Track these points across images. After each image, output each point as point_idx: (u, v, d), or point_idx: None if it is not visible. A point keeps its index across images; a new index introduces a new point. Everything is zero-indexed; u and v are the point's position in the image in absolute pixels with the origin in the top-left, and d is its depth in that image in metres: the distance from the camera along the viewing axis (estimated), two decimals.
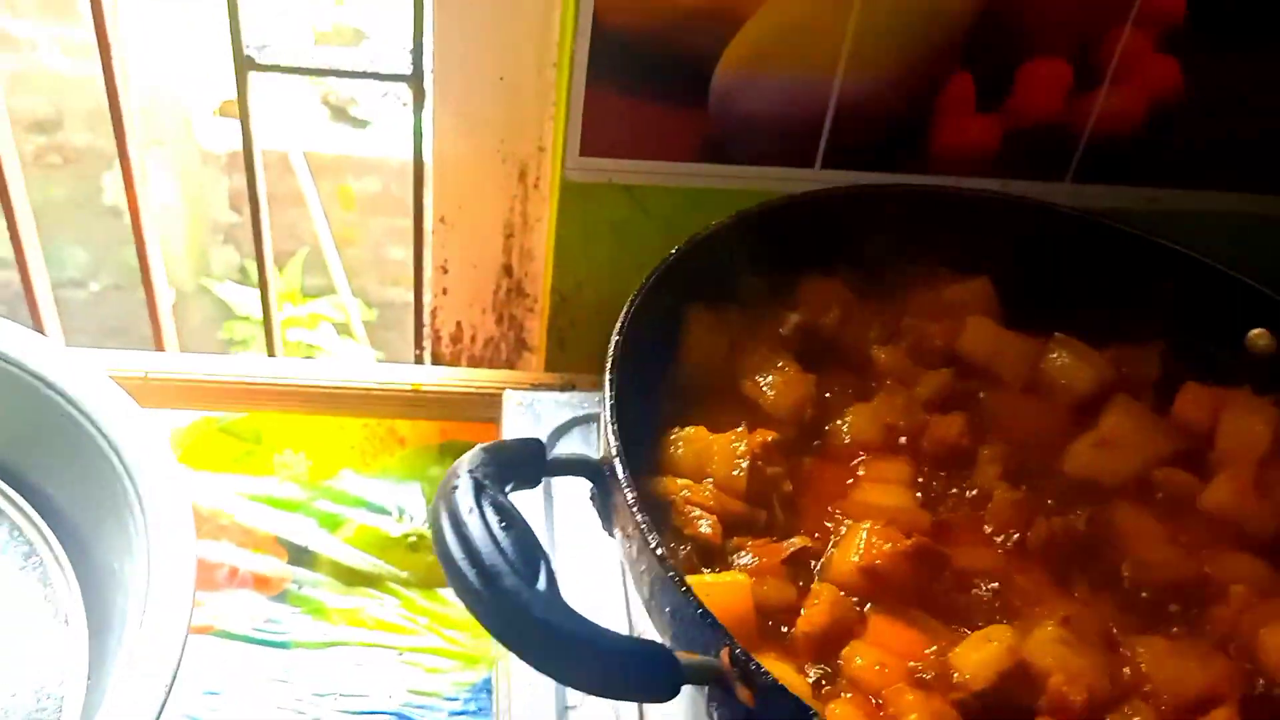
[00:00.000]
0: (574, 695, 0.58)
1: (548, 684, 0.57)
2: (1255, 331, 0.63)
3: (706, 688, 0.42)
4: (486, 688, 0.76)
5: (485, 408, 0.83)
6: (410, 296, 0.98)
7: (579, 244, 0.91)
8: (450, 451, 0.91)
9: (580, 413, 0.73)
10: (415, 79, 0.88)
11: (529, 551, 0.39)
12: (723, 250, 0.62)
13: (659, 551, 0.44)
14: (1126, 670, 0.50)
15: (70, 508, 0.66)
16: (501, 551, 0.39)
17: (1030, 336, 0.65)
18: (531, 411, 0.73)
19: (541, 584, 0.38)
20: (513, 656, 0.55)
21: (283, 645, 0.77)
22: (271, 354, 1.00)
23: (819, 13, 0.77)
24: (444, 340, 1.00)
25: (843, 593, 0.51)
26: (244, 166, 0.91)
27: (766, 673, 0.40)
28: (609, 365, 0.51)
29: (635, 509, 0.45)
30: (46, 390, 0.65)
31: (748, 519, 0.54)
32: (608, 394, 0.50)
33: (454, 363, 1.01)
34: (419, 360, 1.01)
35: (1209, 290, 0.65)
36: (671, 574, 0.43)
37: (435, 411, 0.86)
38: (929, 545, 0.52)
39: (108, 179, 2.25)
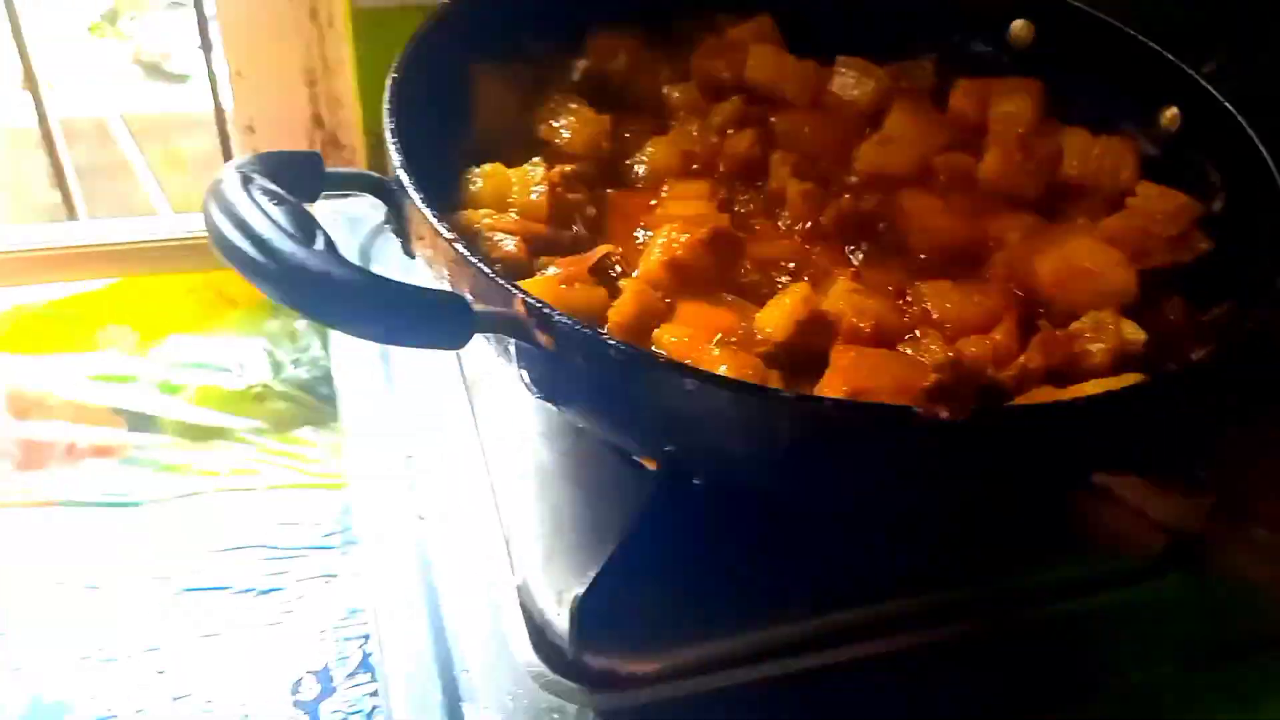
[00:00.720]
0: (424, 504, 0.57)
1: (399, 488, 0.57)
2: (1016, 23, 0.68)
3: (513, 345, 0.43)
4: (350, 509, 0.76)
5: None
6: None
7: (383, 77, 0.90)
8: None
9: None
10: None
11: (302, 221, 0.40)
12: (503, 5, 0.63)
13: (448, 235, 0.45)
14: (915, 309, 0.53)
15: None
16: (274, 222, 0.39)
17: (813, 60, 0.68)
18: (345, 218, 0.72)
19: (319, 244, 0.39)
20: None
21: (134, 504, 0.75)
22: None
23: None
24: None
25: (650, 288, 0.53)
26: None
27: (562, 314, 0.41)
28: (388, 87, 0.52)
29: (424, 205, 0.46)
30: None
31: (553, 240, 0.55)
32: (387, 109, 0.50)
33: None
34: None
35: None
36: (458, 246, 0.44)
37: None
38: (725, 230, 0.54)
39: None
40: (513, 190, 0.56)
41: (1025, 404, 0.47)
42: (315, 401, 0.84)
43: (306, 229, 0.39)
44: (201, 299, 0.89)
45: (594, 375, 0.42)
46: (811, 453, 0.41)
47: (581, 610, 0.48)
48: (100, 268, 0.80)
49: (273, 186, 0.41)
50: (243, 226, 0.39)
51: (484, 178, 0.56)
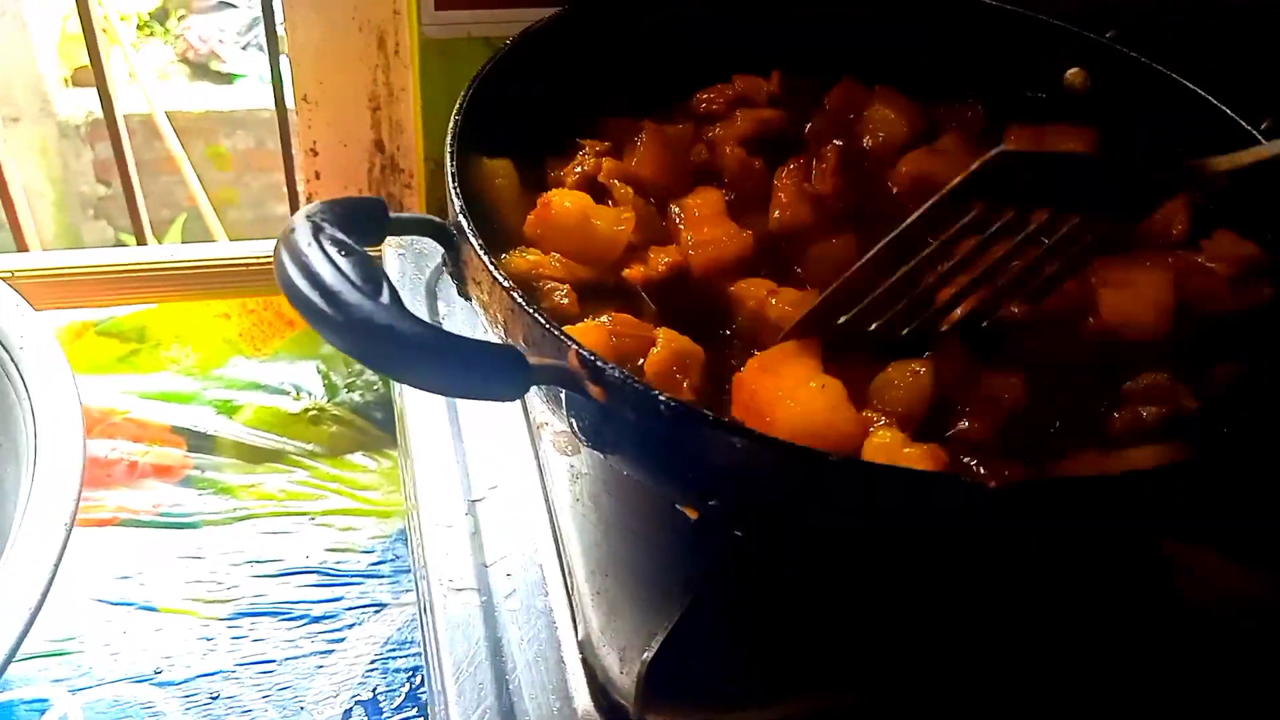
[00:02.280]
0: (489, 552, 0.61)
1: (462, 536, 0.60)
2: (1071, 71, 0.69)
3: (564, 395, 0.46)
4: (400, 538, 0.80)
5: None
6: None
7: (445, 105, 0.94)
8: None
9: None
10: None
11: (369, 272, 0.43)
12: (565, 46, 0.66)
13: (506, 283, 0.48)
14: None
15: None
16: (341, 273, 0.42)
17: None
18: (411, 252, 0.76)
19: (384, 298, 0.42)
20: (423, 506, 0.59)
21: (192, 525, 0.80)
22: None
23: None
24: None
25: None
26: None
27: (614, 367, 0.44)
28: (450, 129, 0.55)
29: (483, 253, 0.49)
30: None
31: (600, 283, 0.58)
32: (449, 152, 0.54)
33: None
34: None
35: (1022, 38, 0.71)
36: (515, 295, 0.47)
37: None
38: None
39: None
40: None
41: (1072, 476, 0.48)
42: (368, 425, 0.88)
43: (374, 280, 0.43)
44: (261, 319, 0.94)
45: (642, 427, 0.45)
46: (858, 515, 0.44)
47: (648, 675, 0.51)
48: (165, 290, 0.86)
49: (341, 236, 0.45)
50: (312, 278, 0.42)
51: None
